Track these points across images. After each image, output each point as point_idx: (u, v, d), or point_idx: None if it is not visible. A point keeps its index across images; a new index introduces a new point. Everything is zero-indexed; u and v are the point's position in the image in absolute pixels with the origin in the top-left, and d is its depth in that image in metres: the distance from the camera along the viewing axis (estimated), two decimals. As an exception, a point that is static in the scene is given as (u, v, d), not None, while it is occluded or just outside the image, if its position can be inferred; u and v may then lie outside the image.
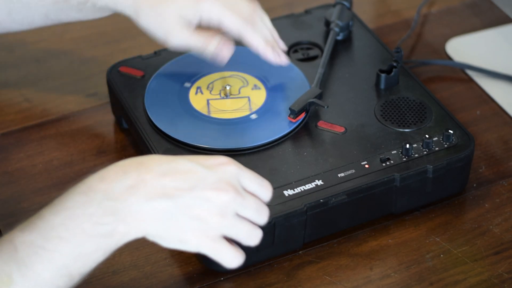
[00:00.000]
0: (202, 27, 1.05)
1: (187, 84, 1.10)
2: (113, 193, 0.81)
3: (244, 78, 1.10)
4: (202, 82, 1.10)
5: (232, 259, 0.85)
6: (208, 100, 1.08)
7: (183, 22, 1.03)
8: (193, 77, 1.11)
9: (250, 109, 1.06)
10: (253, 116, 1.05)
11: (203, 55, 1.05)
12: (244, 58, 1.12)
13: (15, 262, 0.79)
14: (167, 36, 1.04)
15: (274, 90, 1.09)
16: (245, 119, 1.05)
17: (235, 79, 1.10)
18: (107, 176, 0.82)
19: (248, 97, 1.08)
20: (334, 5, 1.19)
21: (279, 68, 1.11)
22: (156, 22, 1.04)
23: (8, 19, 1.08)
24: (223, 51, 1.04)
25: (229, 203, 0.83)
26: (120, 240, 0.82)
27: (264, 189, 0.87)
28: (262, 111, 1.06)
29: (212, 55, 1.04)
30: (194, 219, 0.82)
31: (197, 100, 1.08)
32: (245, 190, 0.86)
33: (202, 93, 1.09)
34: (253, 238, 0.86)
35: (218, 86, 1.09)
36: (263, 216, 0.87)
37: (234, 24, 1.04)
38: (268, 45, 1.07)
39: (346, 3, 1.18)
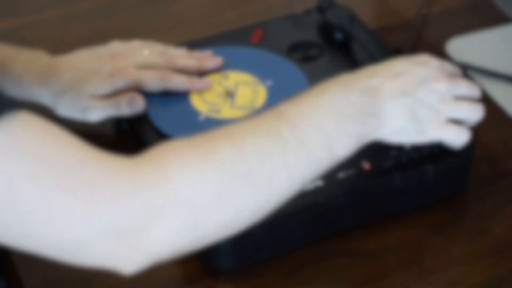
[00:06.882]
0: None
1: (187, 84, 1.10)
2: (367, 89, 0.91)
3: (244, 78, 1.11)
4: (202, 82, 1.10)
5: (460, 137, 0.96)
6: (208, 101, 1.08)
7: (96, 97, 1.05)
8: (193, 77, 1.11)
9: (250, 109, 1.06)
10: (253, 116, 1.05)
11: (120, 115, 1.06)
12: (244, 58, 1.12)
13: (285, 121, 0.86)
14: (85, 113, 1.05)
15: (274, 90, 1.09)
16: (245, 119, 1.05)
17: (235, 79, 1.10)
18: (357, 76, 0.92)
19: (248, 97, 1.08)
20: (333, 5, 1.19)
21: (279, 68, 1.11)
22: (72, 103, 1.05)
23: None
24: (135, 104, 1.05)
25: (448, 89, 0.95)
26: (370, 134, 0.91)
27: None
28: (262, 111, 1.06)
29: (128, 110, 1.05)
30: (428, 110, 0.93)
31: (197, 100, 1.08)
32: None
33: (202, 93, 1.09)
34: (476, 113, 0.97)
35: (218, 86, 1.09)
36: (476, 91, 0.98)
37: (154, 85, 1.07)
38: (190, 79, 1.08)
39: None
